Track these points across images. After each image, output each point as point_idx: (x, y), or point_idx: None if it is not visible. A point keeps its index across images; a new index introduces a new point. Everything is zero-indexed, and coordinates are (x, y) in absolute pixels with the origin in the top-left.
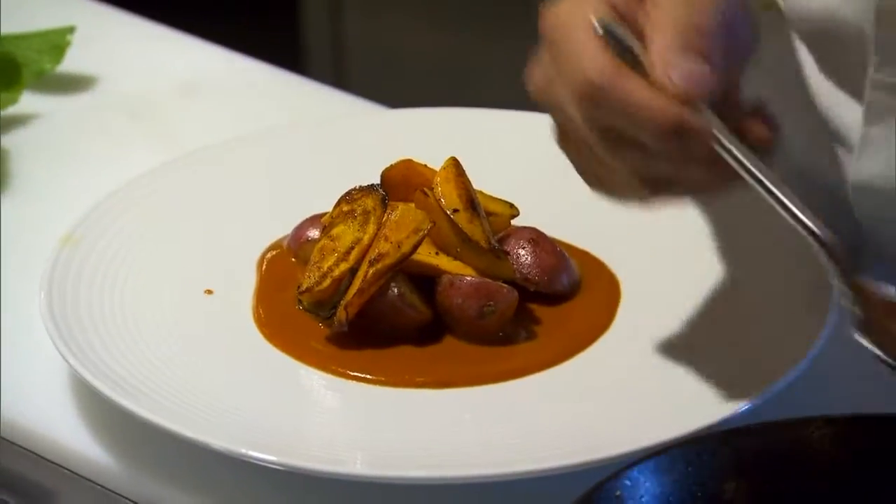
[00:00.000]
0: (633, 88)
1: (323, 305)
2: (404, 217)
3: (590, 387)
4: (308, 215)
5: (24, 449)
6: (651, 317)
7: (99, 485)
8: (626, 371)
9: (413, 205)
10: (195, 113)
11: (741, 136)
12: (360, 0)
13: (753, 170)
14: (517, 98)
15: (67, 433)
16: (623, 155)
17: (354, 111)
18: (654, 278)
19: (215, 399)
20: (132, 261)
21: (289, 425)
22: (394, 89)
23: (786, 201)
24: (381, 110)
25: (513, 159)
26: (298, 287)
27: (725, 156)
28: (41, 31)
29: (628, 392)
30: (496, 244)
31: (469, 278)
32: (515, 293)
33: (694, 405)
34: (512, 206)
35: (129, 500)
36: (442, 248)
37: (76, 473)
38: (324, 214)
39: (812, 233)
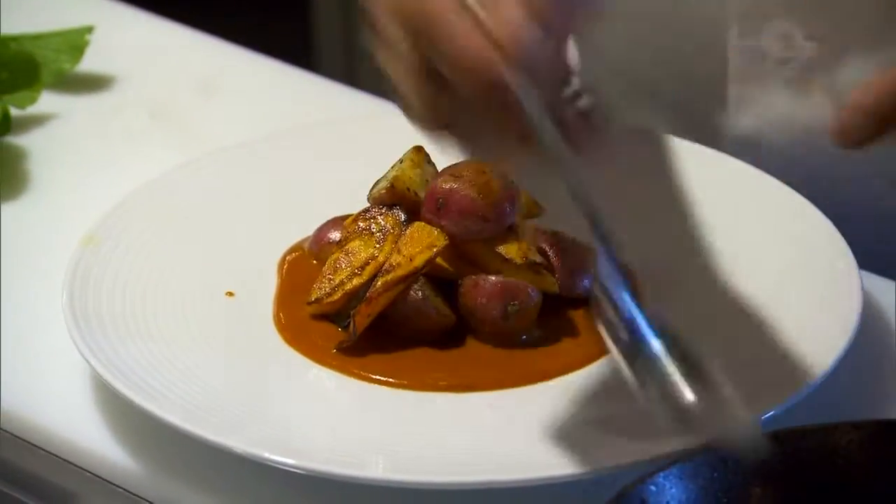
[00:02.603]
0: (464, 30)
1: (339, 316)
2: (420, 232)
3: (614, 391)
4: (329, 217)
5: (46, 451)
6: (675, 322)
7: (120, 487)
8: None
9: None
10: (214, 112)
11: (560, 119)
12: None
13: (553, 151)
14: None
15: (89, 435)
16: (428, 79)
17: (373, 111)
18: (677, 282)
19: (236, 402)
20: (153, 262)
21: (310, 429)
22: None
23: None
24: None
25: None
26: (308, 297)
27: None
28: (60, 31)
29: None
30: (534, 258)
31: (493, 278)
32: (539, 294)
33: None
34: (537, 204)
35: (151, 502)
36: (481, 268)
37: (98, 476)
38: (346, 217)
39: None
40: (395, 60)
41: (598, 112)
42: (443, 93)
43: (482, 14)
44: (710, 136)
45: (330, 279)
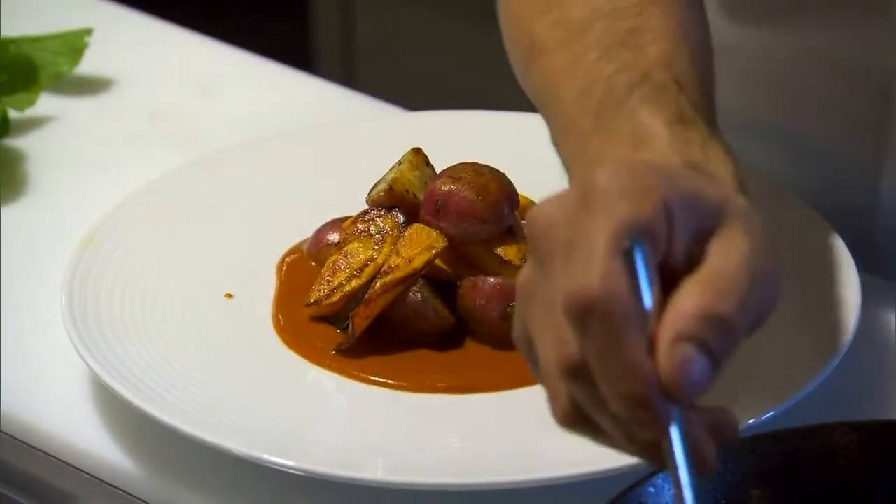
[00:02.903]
0: (629, 337)
1: (338, 318)
2: (419, 234)
3: None
4: (328, 219)
5: (45, 453)
6: None
7: (118, 489)
8: None
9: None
10: (213, 114)
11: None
12: None
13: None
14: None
15: (87, 437)
16: (571, 380)
17: (372, 113)
18: None
19: (234, 403)
20: (152, 264)
21: (308, 430)
22: (405, 88)
23: None
24: (401, 113)
25: (533, 162)
26: (307, 299)
27: (667, 456)
28: (58, 34)
29: None
30: None
31: (492, 280)
32: None
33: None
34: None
35: None
36: (480, 269)
37: (96, 477)
38: (345, 218)
39: None
40: (549, 349)
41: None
42: (587, 392)
43: (652, 301)
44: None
45: (329, 281)
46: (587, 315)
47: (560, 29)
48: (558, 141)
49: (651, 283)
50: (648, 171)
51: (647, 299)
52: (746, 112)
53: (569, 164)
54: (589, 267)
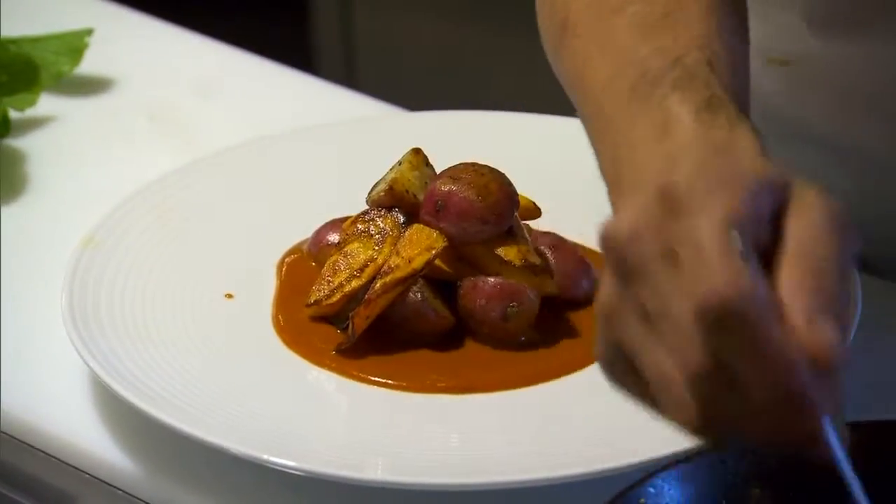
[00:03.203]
0: (775, 329)
1: (338, 318)
2: (419, 234)
3: (612, 393)
4: (328, 219)
5: (45, 453)
6: None
7: (119, 489)
8: None
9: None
10: (214, 114)
11: None
12: None
13: (848, 479)
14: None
15: (88, 437)
16: (706, 385)
17: (372, 113)
18: None
19: (234, 403)
20: (153, 264)
21: (309, 431)
22: (405, 88)
23: None
24: (401, 113)
25: (533, 163)
26: (307, 299)
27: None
28: (59, 34)
29: None
30: (533, 260)
31: (492, 280)
32: (538, 295)
33: None
34: (536, 206)
35: None
36: (480, 270)
37: (96, 477)
38: (344, 219)
39: None
40: (666, 361)
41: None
42: (723, 393)
43: (800, 326)
44: None
45: (329, 281)
46: (726, 318)
47: (594, 9)
48: (584, 122)
49: (759, 271)
50: (724, 164)
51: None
52: (810, 120)
53: (596, 146)
54: (709, 270)
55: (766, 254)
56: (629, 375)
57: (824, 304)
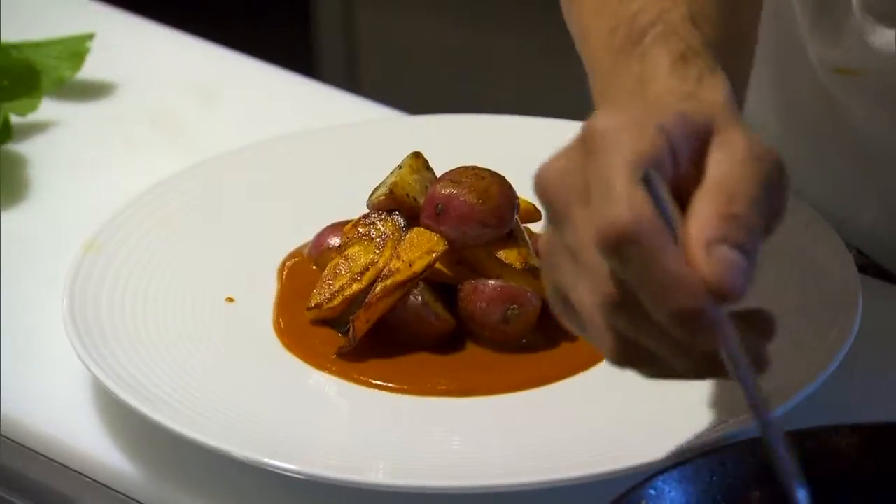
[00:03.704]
0: (668, 254)
1: (339, 322)
2: (419, 238)
3: (613, 395)
4: (329, 223)
5: (46, 457)
6: None
7: (120, 493)
8: (649, 379)
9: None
10: (215, 119)
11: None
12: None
13: (749, 389)
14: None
15: (89, 441)
16: (617, 315)
17: (373, 117)
18: None
19: (235, 407)
20: (154, 268)
21: (310, 434)
22: (406, 92)
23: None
24: (402, 116)
25: (534, 166)
26: (307, 303)
27: (725, 360)
28: (60, 39)
29: (652, 400)
30: (534, 263)
31: (493, 283)
32: (539, 298)
33: (718, 413)
34: (536, 208)
35: None
36: (481, 273)
37: (97, 481)
38: (345, 222)
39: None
40: (586, 294)
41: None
42: (634, 322)
43: (675, 224)
44: None
45: (329, 285)
46: (623, 244)
47: None
48: (589, 79)
49: (669, 205)
50: (639, 106)
51: (671, 221)
52: (878, 132)
53: (595, 101)
54: (612, 201)
55: (689, 189)
56: (569, 313)
57: (728, 233)
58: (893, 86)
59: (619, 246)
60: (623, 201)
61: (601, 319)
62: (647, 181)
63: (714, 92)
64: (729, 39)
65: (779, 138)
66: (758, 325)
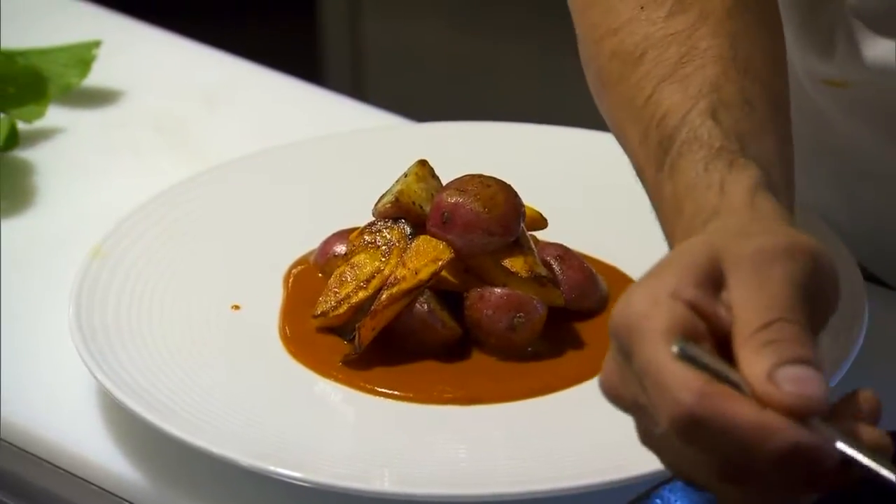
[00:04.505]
0: (738, 411)
1: (344, 329)
2: (425, 245)
3: None
4: (335, 230)
5: (51, 464)
6: None
7: (125, 500)
8: None
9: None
10: (221, 125)
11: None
12: (378, 6)
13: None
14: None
15: (94, 448)
16: (736, 482)
17: (379, 124)
18: None
19: (241, 414)
20: (160, 275)
21: (315, 442)
22: (412, 100)
23: None
24: (408, 124)
25: (540, 173)
26: (313, 310)
27: (855, 463)
28: (67, 46)
29: None
30: (540, 271)
31: (499, 290)
32: (545, 306)
33: None
34: (542, 217)
35: None
36: (487, 281)
37: (102, 488)
38: (351, 230)
39: None
40: (708, 477)
41: None
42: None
43: (731, 375)
44: None
45: (335, 292)
46: (695, 425)
47: (617, 61)
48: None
49: (718, 364)
50: (650, 284)
51: (728, 376)
52: (864, 144)
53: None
54: (666, 391)
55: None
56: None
57: (781, 354)
58: (881, 97)
59: (694, 427)
60: (671, 383)
61: (734, 493)
62: (684, 355)
63: (737, 192)
64: (756, 112)
65: None
66: (862, 414)
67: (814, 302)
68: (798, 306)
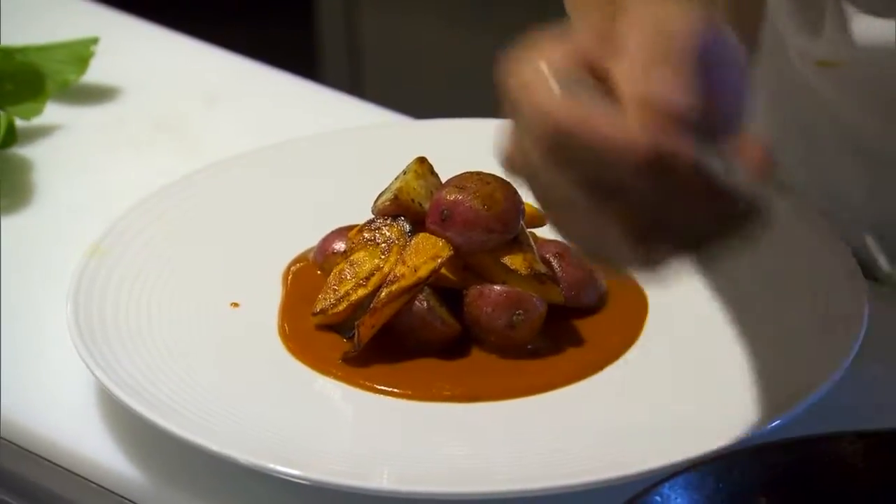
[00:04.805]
0: (601, 122)
1: (344, 327)
2: (424, 243)
3: (618, 401)
4: (334, 227)
5: (50, 462)
6: (679, 330)
7: (124, 497)
8: (654, 385)
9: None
10: (219, 122)
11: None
12: (376, 2)
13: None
14: None
15: (92, 445)
16: (608, 206)
17: (378, 121)
18: (681, 291)
19: (240, 412)
20: (158, 272)
21: (315, 440)
22: (411, 96)
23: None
24: (406, 121)
25: None
26: (313, 308)
27: (714, 178)
28: (65, 43)
29: (658, 407)
30: (539, 268)
31: (498, 288)
32: (545, 304)
33: (724, 420)
34: (540, 213)
35: None
36: (486, 278)
37: (101, 486)
38: (350, 227)
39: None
40: (571, 216)
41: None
42: (619, 205)
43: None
44: None
45: (335, 290)
46: (564, 140)
47: None
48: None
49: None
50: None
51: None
52: (860, 124)
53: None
54: (537, 107)
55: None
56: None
57: (647, 59)
58: (873, 75)
59: (558, 142)
60: (545, 105)
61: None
62: (566, 88)
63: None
64: None
65: (765, 131)
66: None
67: (711, 71)
68: (686, 51)
